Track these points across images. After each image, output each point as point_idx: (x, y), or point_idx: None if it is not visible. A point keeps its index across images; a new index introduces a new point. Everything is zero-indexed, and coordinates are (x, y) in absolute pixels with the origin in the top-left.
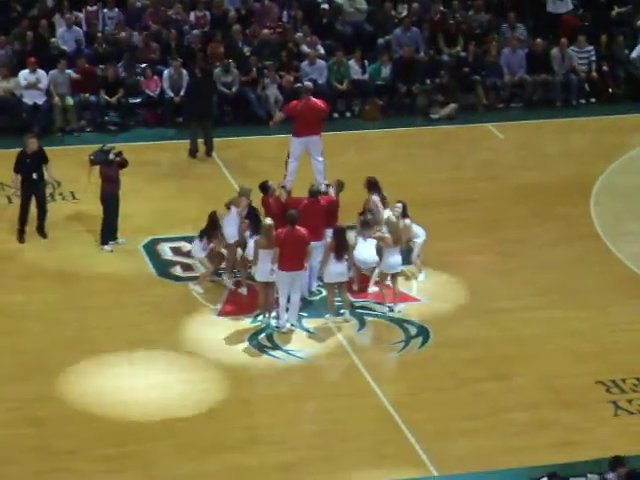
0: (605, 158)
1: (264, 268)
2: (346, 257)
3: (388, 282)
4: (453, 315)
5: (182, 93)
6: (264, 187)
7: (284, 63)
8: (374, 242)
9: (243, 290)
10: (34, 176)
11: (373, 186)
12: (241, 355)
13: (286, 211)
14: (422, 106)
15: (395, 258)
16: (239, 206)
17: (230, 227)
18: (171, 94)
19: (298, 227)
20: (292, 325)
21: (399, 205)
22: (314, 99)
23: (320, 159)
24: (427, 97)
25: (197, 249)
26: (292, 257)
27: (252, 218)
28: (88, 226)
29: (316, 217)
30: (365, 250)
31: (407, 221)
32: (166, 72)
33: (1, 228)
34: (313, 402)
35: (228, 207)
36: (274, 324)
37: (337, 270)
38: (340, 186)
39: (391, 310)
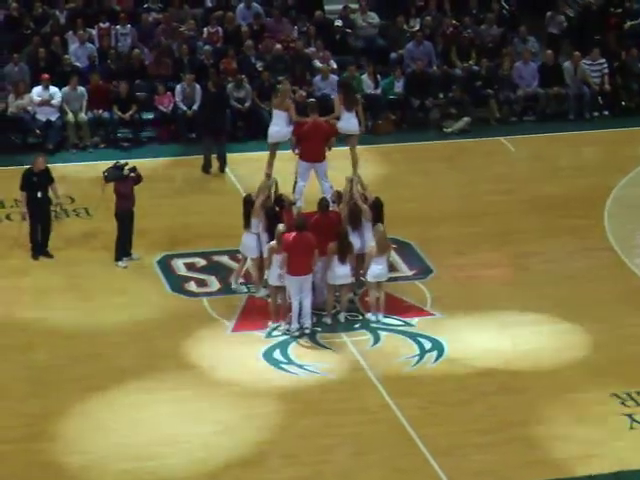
0: (618, 171)
1: (276, 272)
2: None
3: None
4: (468, 329)
5: (195, 107)
6: (279, 201)
7: (297, 78)
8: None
9: (263, 292)
10: (39, 194)
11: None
12: (255, 370)
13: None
14: (435, 120)
15: (380, 267)
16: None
17: (249, 239)
18: (184, 108)
19: (306, 232)
20: (307, 329)
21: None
22: (320, 120)
23: (327, 183)
24: (440, 111)
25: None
26: (300, 261)
27: (269, 218)
28: (102, 242)
29: (327, 231)
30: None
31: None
32: (179, 86)
33: (15, 244)
34: (327, 416)
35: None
36: (286, 327)
37: (341, 272)
38: (339, 198)
39: (376, 319)
